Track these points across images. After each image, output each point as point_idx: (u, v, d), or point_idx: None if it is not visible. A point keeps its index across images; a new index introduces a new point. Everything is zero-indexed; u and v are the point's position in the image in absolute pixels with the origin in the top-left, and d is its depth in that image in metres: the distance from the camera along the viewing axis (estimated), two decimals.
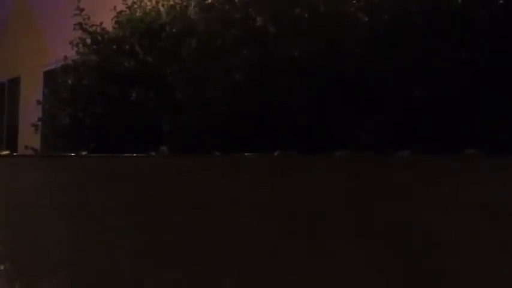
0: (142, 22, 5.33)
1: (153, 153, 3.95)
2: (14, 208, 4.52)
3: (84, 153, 4.62)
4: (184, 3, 5.06)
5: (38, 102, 6.45)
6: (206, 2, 4.57)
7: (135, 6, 5.56)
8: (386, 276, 2.56)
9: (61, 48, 6.00)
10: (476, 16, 3.26)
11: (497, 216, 2.38)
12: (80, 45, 5.73)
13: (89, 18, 5.71)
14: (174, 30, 4.88)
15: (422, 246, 2.50)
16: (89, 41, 5.68)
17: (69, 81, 5.67)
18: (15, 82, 12.28)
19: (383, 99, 3.47)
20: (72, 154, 4.60)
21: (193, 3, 4.88)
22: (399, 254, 2.55)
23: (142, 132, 4.79)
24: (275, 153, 3.18)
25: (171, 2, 5.25)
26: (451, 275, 2.42)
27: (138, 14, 5.50)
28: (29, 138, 7.02)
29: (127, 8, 5.58)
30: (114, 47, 5.42)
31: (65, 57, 5.93)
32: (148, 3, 5.50)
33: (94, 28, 5.66)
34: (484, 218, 2.39)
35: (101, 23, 5.67)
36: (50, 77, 8.27)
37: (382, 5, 3.61)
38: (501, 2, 3.26)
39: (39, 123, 6.25)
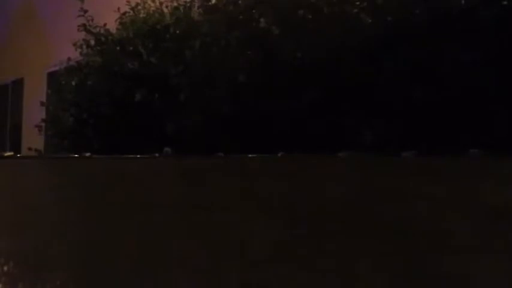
0: (146, 23, 5.34)
1: (157, 154, 3.95)
2: (17, 209, 4.52)
3: (87, 154, 4.62)
4: (188, 5, 5.07)
5: (42, 103, 6.46)
6: (210, 3, 4.57)
7: (139, 7, 5.56)
8: (391, 277, 2.56)
9: (65, 49, 6.01)
10: (478, 17, 3.25)
11: (501, 216, 2.38)
12: (84, 47, 5.74)
13: (92, 20, 5.72)
14: (177, 31, 4.89)
15: (426, 246, 2.50)
16: (92, 42, 5.69)
17: (73, 83, 5.68)
18: (19, 83, 12.30)
19: (386, 100, 3.47)
20: (76, 155, 4.61)
21: (196, 5, 4.89)
22: (403, 254, 2.55)
23: (146, 133, 4.80)
24: (279, 154, 3.19)
25: (175, 4, 5.25)
26: (454, 275, 2.41)
27: (141, 15, 5.50)
28: (33, 139, 7.03)
29: (131, 9, 5.59)
30: (118, 48, 5.43)
31: (69, 59, 5.94)
32: (152, 5, 5.50)
33: (98, 29, 5.67)
34: (488, 217, 2.39)
35: (105, 24, 5.67)
36: (53, 78, 8.27)
37: (385, 6, 3.61)
38: (504, 3, 3.26)
39: (43, 124, 6.26)
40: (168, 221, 3.51)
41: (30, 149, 6.32)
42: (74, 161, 4.50)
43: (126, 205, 3.74)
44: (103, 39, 5.64)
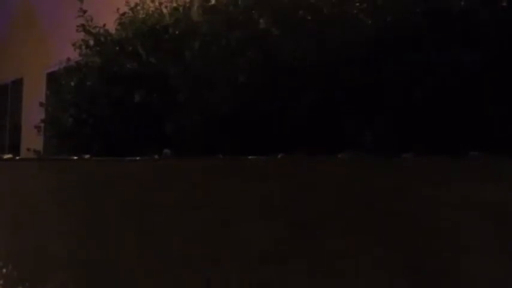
0: (145, 24, 5.33)
1: (156, 156, 3.95)
2: (16, 211, 4.52)
3: (86, 156, 4.62)
4: (187, 5, 5.06)
5: (41, 104, 6.46)
6: (209, 3, 4.57)
7: (138, 7, 5.56)
8: (391, 276, 2.56)
9: (64, 49, 6.01)
10: (478, 17, 3.25)
11: (499, 217, 2.38)
12: (83, 47, 5.74)
13: (91, 20, 5.72)
14: (177, 31, 4.88)
15: (426, 246, 2.50)
16: (91, 42, 5.69)
17: (72, 83, 5.68)
18: (18, 84, 12.29)
19: (386, 101, 3.46)
20: (75, 157, 4.60)
21: (196, 5, 4.88)
22: (403, 254, 2.55)
23: (145, 134, 4.79)
24: (278, 155, 3.18)
25: (174, 4, 5.25)
26: (453, 274, 2.41)
27: (141, 15, 5.50)
28: (32, 140, 7.03)
29: (130, 9, 5.59)
30: (117, 48, 5.43)
31: (68, 59, 5.94)
32: (151, 5, 5.50)
33: (97, 30, 5.67)
34: (486, 218, 2.39)
35: (104, 25, 5.67)
36: (53, 78, 8.27)
37: (385, 6, 3.60)
38: (503, 4, 3.25)
39: (42, 125, 6.25)
40: (168, 222, 3.51)
41: (29, 149, 6.31)
42: (73, 163, 4.49)
43: (126, 206, 3.74)
44: (102, 39, 5.63)
